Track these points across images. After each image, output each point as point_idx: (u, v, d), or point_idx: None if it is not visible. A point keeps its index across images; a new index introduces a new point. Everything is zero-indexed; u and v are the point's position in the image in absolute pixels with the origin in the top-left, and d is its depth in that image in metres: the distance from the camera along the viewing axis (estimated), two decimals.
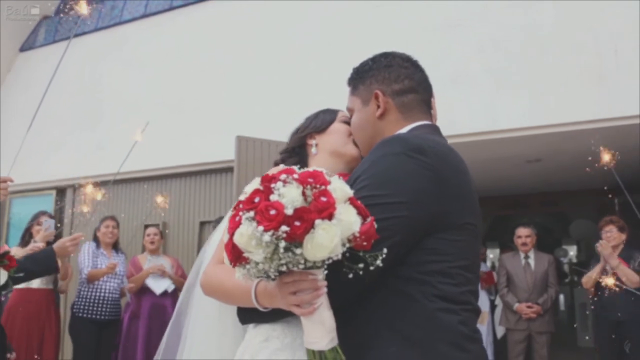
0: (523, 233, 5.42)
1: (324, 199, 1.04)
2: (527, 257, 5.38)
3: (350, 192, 1.09)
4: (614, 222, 4.67)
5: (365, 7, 6.10)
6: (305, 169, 1.11)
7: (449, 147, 1.36)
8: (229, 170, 6.22)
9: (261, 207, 1.03)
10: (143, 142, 7.03)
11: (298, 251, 1.03)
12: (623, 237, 4.64)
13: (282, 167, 1.34)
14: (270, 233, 1.01)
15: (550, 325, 5.24)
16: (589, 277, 4.63)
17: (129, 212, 7.11)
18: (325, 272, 1.10)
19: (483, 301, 6.19)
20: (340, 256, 1.06)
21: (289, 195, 1.03)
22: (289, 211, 1.01)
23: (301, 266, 1.05)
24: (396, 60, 1.52)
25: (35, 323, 4.28)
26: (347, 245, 1.06)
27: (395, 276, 1.20)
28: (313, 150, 1.70)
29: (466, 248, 1.28)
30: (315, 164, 1.65)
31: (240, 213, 1.06)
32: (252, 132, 5.44)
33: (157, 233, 5.44)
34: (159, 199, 5.78)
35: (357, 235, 1.06)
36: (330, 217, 1.03)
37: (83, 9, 2.82)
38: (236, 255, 1.07)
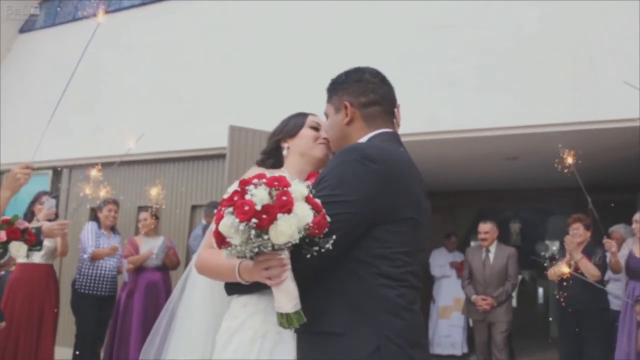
0: (483, 229, 5.60)
1: (284, 198, 1.39)
2: (487, 251, 5.57)
3: (305, 192, 1.44)
4: (581, 220, 4.99)
5: (357, 6, 6.34)
6: (273, 174, 1.47)
7: (400, 153, 1.67)
8: (221, 156, 6.48)
9: (238, 204, 1.38)
10: (140, 126, 7.29)
11: (265, 237, 1.37)
12: (588, 234, 4.98)
13: (255, 169, 1.89)
14: (244, 224, 1.36)
15: (507, 315, 5.42)
16: (554, 270, 4.97)
17: (124, 194, 7.33)
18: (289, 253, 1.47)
19: (458, 290, 6.50)
20: (298, 241, 1.40)
21: (259, 195, 1.39)
22: (258, 207, 1.36)
23: (270, 248, 1.40)
24: (365, 75, 1.79)
25: (36, 296, 4.56)
26: (304, 232, 1.40)
27: (349, 258, 1.53)
28: (284, 152, 2.03)
29: (407, 238, 1.58)
30: (288, 164, 2.01)
31: (223, 208, 1.41)
32: (244, 121, 5.69)
33: (151, 217, 5.71)
34: (153, 191, 6.03)
35: (311, 225, 1.40)
36: (289, 211, 1.37)
37: (100, 16, 3.05)
38: (221, 240, 1.42)
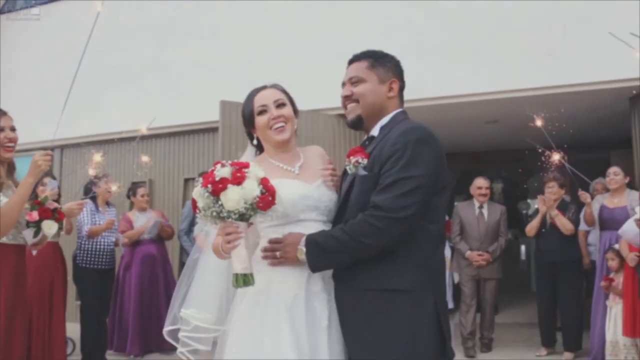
0: (483, 184, 5.71)
1: (238, 174, 1.76)
2: (481, 207, 5.68)
3: (261, 175, 1.81)
4: (556, 179, 5.32)
5: None
6: (245, 159, 1.93)
7: None
8: (212, 130, 6.69)
9: (205, 176, 1.79)
10: (131, 103, 7.44)
11: (219, 202, 1.74)
12: (562, 192, 5.33)
13: (250, 148, 2.29)
14: (204, 189, 1.76)
15: (498, 272, 5.61)
16: (531, 226, 5.33)
17: (117, 170, 7.51)
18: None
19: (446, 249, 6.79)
20: (245, 210, 1.77)
21: (221, 172, 1.77)
22: (217, 179, 1.75)
23: (225, 215, 1.76)
24: (399, 63, 2.10)
25: (46, 272, 4.78)
26: (250, 204, 1.77)
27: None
28: (255, 142, 2.25)
29: (445, 202, 1.95)
30: (266, 151, 2.23)
31: (197, 182, 1.84)
32: (236, 96, 5.85)
33: (147, 193, 5.95)
34: (144, 159, 6.25)
35: (257, 199, 1.77)
36: (239, 184, 1.74)
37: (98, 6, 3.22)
38: (194, 206, 1.81)
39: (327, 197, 2.09)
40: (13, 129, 2.84)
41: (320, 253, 1.84)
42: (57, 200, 4.32)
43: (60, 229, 3.03)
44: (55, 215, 2.89)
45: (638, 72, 4.89)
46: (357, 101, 2.02)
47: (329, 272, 1.98)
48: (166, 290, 5.71)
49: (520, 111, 6.12)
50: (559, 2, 5.60)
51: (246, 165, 1.81)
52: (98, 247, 5.26)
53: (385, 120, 2.01)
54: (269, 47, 6.74)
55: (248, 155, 2.30)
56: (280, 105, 2.17)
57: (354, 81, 2.05)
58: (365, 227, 1.78)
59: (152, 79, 7.44)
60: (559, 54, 5.54)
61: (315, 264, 1.85)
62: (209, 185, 1.75)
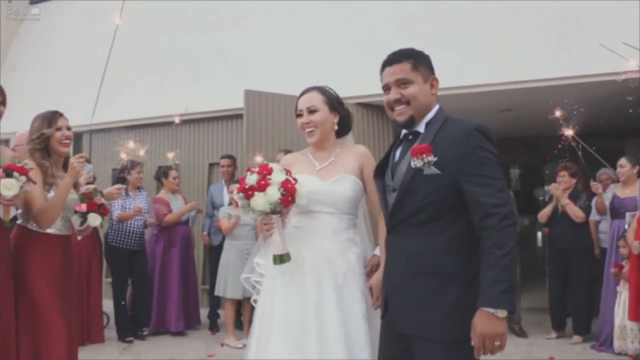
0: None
1: (262, 182, 2.25)
2: None
3: (281, 179, 2.26)
4: (568, 168, 5.50)
5: None
6: (265, 164, 2.36)
7: None
8: (237, 117, 6.94)
9: (240, 181, 2.33)
10: (158, 90, 7.69)
11: (252, 204, 2.25)
12: (573, 181, 5.50)
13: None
14: (240, 195, 2.30)
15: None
16: (543, 213, 5.52)
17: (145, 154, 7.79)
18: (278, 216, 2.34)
19: None
20: (269, 209, 2.26)
21: (250, 180, 2.28)
22: (247, 186, 2.28)
23: (259, 212, 2.28)
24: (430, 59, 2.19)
25: (84, 253, 5.12)
26: (275, 205, 2.24)
27: (465, 215, 1.95)
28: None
29: None
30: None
31: (235, 186, 2.44)
32: (259, 84, 6.09)
33: (178, 176, 6.23)
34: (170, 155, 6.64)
35: (279, 201, 2.24)
36: (263, 191, 2.23)
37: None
38: (236, 204, 2.52)
39: (335, 193, 2.45)
40: (69, 128, 3.10)
41: (507, 292, 1.82)
42: (92, 183, 4.63)
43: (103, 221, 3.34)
44: (101, 209, 3.16)
45: None
46: (408, 103, 2.07)
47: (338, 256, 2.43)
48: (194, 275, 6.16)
49: (534, 100, 6.30)
50: None
51: (270, 172, 2.26)
52: (128, 228, 5.57)
53: (429, 116, 2.09)
54: (291, 38, 6.97)
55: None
56: (311, 111, 2.49)
57: (401, 83, 2.08)
58: (505, 235, 1.85)
59: (178, 67, 7.70)
60: (572, 44, 5.67)
61: (512, 302, 1.85)
62: (242, 193, 2.28)
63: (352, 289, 2.40)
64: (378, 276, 2.34)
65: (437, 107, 2.12)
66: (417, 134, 2.09)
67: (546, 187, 5.38)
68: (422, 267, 1.96)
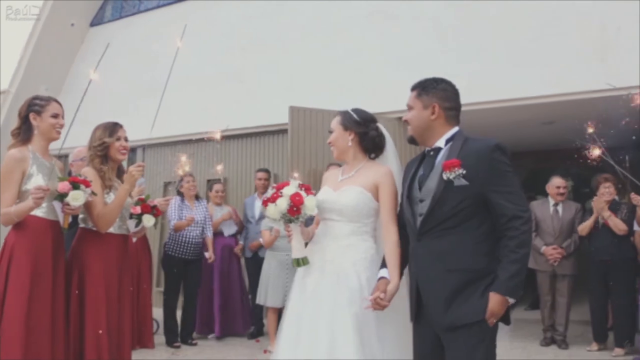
0: (560, 184, 5.87)
1: (275, 195, 2.69)
2: (556, 204, 5.84)
3: (291, 192, 2.66)
4: (610, 179, 5.47)
5: None
6: (291, 180, 2.82)
7: None
8: (281, 132, 7.19)
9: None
10: (208, 106, 8.03)
11: (266, 212, 2.74)
12: (615, 192, 5.47)
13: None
14: (262, 206, 2.94)
15: (574, 268, 5.73)
16: (584, 226, 5.51)
17: (194, 169, 8.12)
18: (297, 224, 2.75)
19: None
20: (282, 217, 2.70)
21: (268, 193, 2.74)
22: (265, 198, 2.75)
23: (282, 221, 2.70)
24: (449, 87, 2.47)
25: (134, 258, 5.37)
26: (285, 214, 2.67)
27: (491, 219, 2.31)
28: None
29: None
30: None
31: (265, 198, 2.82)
32: (303, 100, 6.31)
33: (223, 190, 6.52)
34: (219, 168, 6.93)
35: (287, 211, 2.65)
36: (274, 202, 2.68)
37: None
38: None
39: (341, 202, 2.75)
40: (126, 139, 3.40)
41: (520, 285, 2.22)
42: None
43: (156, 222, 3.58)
44: (154, 211, 3.44)
45: None
46: (409, 124, 2.51)
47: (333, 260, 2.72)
48: (240, 281, 6.38)
49: (575, 113, 6.28)
50: (613, 3, 5.75)
51: (282, 187, 2.72)
52: (184, 238, 5.85)
53: (447, 135, 2.42)
54: (333, 55, 7.19)
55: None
56: (331, 132, 2.94)
57: (408, 108, 2.51)
58: (526, 237, 2.22)
59: (227, 84, 8.03)
60: (611, 57, 5.67)
61: (520, 293, 2.25)
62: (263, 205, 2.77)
63: (344, 286, 2.64)
64: (393, 288, 2.53)
65: (456, 128, 2.45)
66: (439, 149, 2.42)
67: (593, 200, 5.40)
68: (455, 264, 2.28)
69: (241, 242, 6.44)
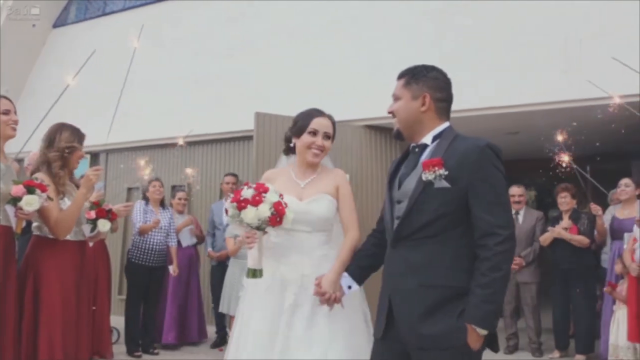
0: (516, 192, 5.93)
1: (257, 198, 2.34)
2: (517, 213, 5.87)
3: (274, 200, 2.37)
4: (568, 189, 5.57)
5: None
6: (262, 182, 2.47)
7: None
8: (247, 138, 7.12)
9: (235, 192, 2.41)
10: (172, 111, 7.92)
11: (241, 215, 2.34)
12: (574, 202, 5.57)
13: (283, 159, 2.90)
14: (233, 204, 2.36)
15: (536, 276, 5.79)
16: (545, 237, 5.58)
17: (158, 175, 7.99)
18: (265, 233, 2.46)
19: None
20: (258, 224, 2.36)
21: (246, 193, 2.37)
22: (242, 198, 2.35)
23: (246, 225, 2.37)
24: (441, 75, 2.17)
25: (91, 263, 5.20)
26: (263, 221, 2.35)
27: (470, 233, 1.99)
28: (291, 145, 2.75)
29: None
30: (296, 156, 2.76)
31: (229, 196, 2.56)
32: (269, 106, 6.26)
33: (186, 197, 6.46)
34: (189, 170, 6.82)
35: (269, 219, 2.34)
36: (255, 206, 2.32)
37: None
38: (226, 211, 2.44)
39: (314, 213, 2.60)
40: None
41: (493, 313, 1.92)
42: None
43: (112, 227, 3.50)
44: (109, 215, 3.35)
45: None
46: (395, 116, 2.21)
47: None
48: (198, 290, 6.33)
49: (539, 123, 6.40)
50: (574, 15, 5.88)
51: (265, 190, 2.38)
52: (147, 245, 5.73)
53: (436, 130, 2.12)
54: (300, 62, 7.17)
55: (281, 163, 2.90)
56: (326, 137, 2.69)
57: (394, 98, 2.21)
58: (502, 258, 1.90)
59: (191, 90, 7.93)
60: (574, 69, 5.78)
61: (494, 324, 1.96)
62: (235, 202, 2.35)
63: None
64: (329, 276, 2.48)
65: (446, 124, 2.14)
66: (424, 146, 2.14)
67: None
68: (431, 279, 1.99)
69: (209, 249, 6.31)
